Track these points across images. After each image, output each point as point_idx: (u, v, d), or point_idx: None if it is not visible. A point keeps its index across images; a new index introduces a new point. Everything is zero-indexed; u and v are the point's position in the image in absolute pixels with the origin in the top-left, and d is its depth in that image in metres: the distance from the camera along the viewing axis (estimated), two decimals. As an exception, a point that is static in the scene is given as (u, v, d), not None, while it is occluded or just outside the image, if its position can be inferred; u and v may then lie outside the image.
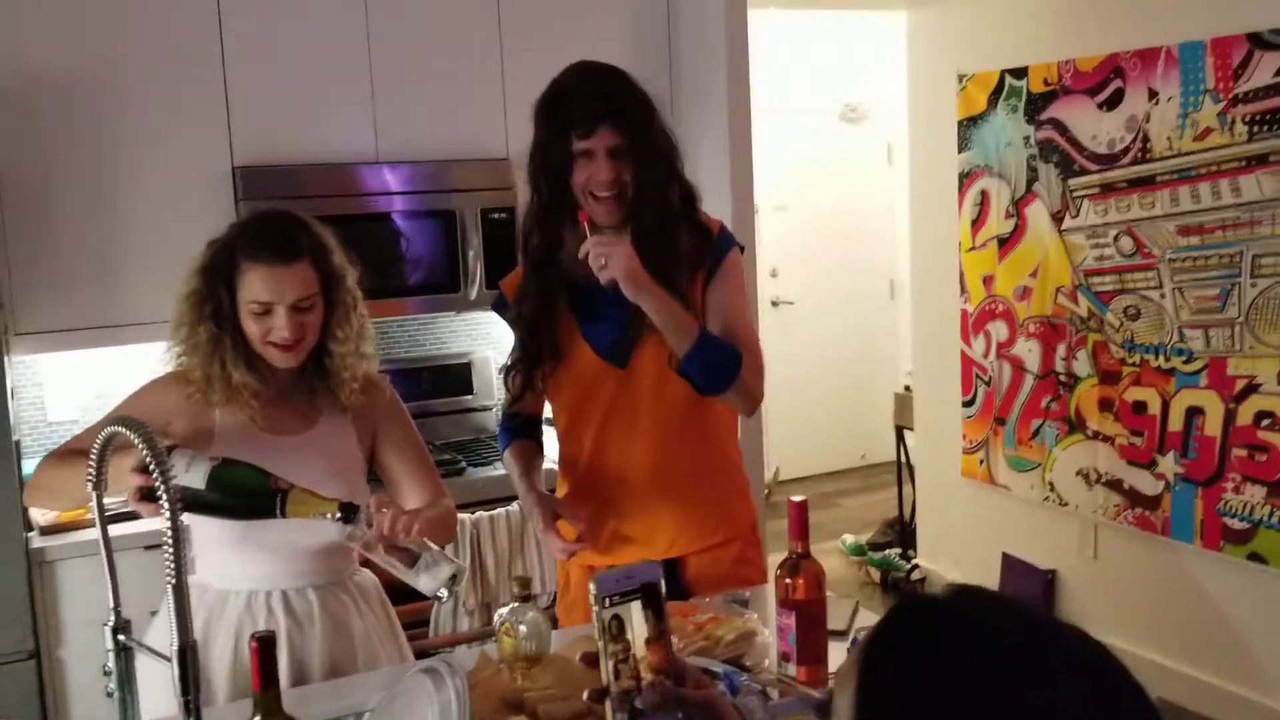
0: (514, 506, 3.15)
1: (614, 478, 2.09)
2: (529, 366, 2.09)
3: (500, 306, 2.22)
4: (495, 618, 1.80)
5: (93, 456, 1.37)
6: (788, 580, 1.63)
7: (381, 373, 2.13)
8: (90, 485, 1.39)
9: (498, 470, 3.27)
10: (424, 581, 1.77)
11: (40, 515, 2.83)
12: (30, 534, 2.76)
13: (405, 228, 3.28)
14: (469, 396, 3.70)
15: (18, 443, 2.79)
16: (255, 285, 1.85)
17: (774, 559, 1.84)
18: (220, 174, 3.05)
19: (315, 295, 1.90)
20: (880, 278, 6.51)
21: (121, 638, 1.36)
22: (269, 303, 1.85)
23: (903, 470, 5.09)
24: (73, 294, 2.93)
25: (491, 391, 3.73)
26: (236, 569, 1.92)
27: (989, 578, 4.37)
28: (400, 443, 2.06)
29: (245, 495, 1.70)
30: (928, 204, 4.54)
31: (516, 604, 1.77)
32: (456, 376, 3.68)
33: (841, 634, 1.83)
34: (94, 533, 2.76)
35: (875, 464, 6.31)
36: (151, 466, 1.25)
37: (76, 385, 3.18)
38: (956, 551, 4.60)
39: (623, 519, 2.09)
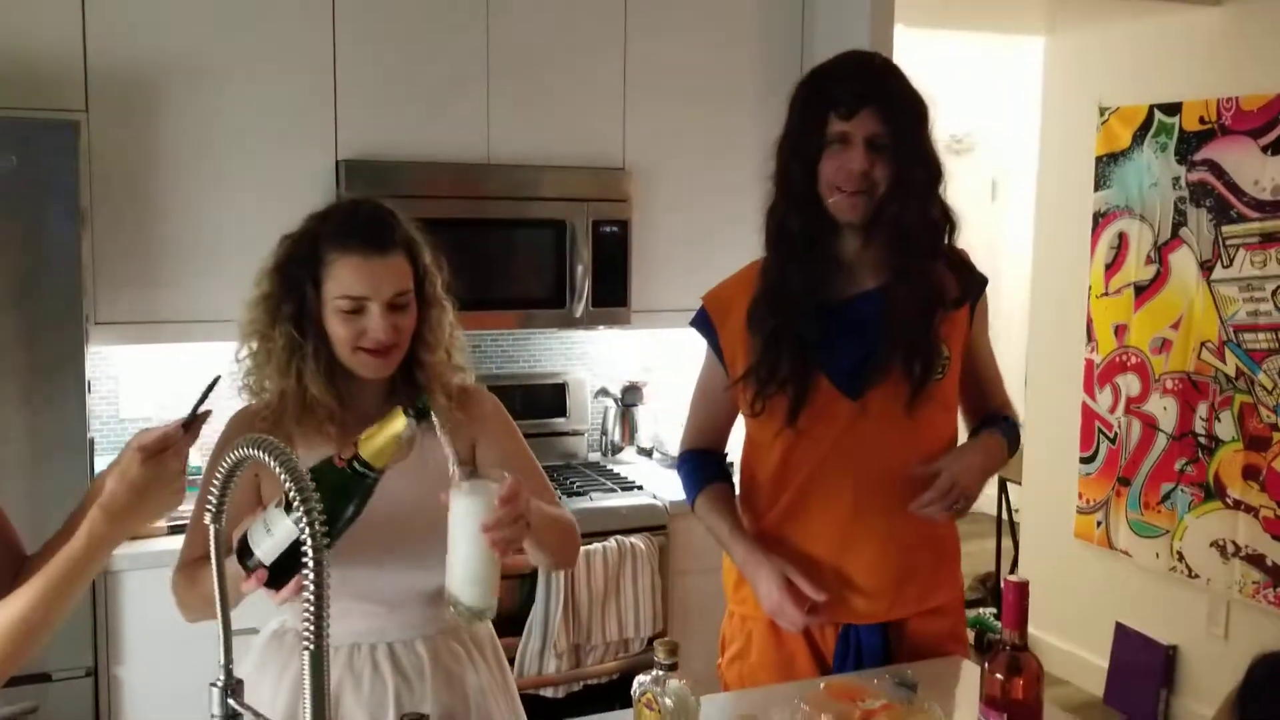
0: (611, 542, 2.91)
1: (827, 525, 1.84)
2: (764, 384, 1.82)
3: (703, 325, 1.94)
4: (635, 686, 1.54)
5: (216, 481, 1.13)
6: (1000, 676, 1.36)
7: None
8: (210, 517, 1.15)
9: (593, 502, 3.03)
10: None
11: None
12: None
13: (511, 236, 3.06)
14: (561, 419, 3.46)
15: (91, 440, 2.59)
16: (346, 278, 1.59)
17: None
18: (324, 168, 2.86)
19: (410, 293, 1.65)
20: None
21: (232, 703, 1.12)
22: (362, 298, 1.59)
23: (1002, 525, 4.77)
24: (159, 286, 2.75)
25: (585, 416, 3.50)
26: (336, 623, 1.62)
27: (1098, 647, 4.05)
28: (505, 456, 1.75)
29: (333, 495, 1.33)
30: (1054, 245, 4.24)
31: (660, 672, 1.51)
32: (550, 398, 3.45)
33: None
34: (162, 543, 2.60)
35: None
36: (291, 492, 1.01)
37: (152, 382, 3.00)
38: (1061, 616, 4.27)
39: (831, 574, 1.83)
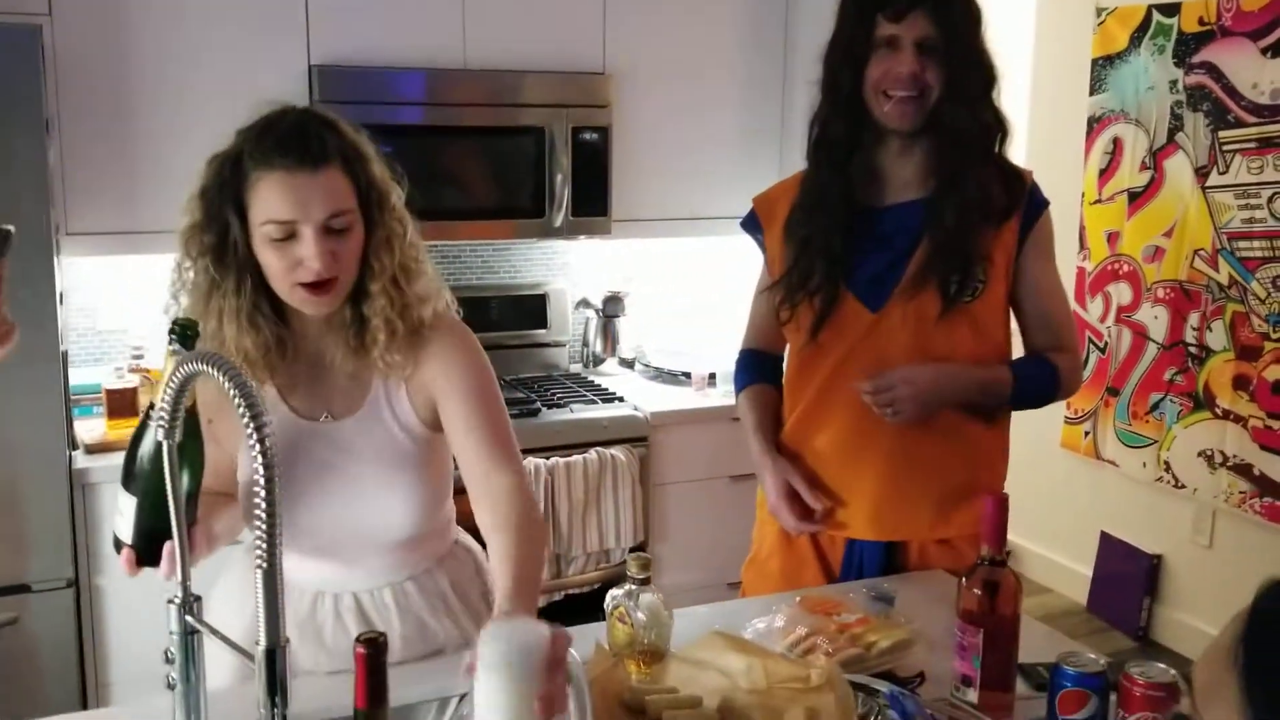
0: (591, 454, 2.90)
1: (835, 435, 1.81)
2: (792, 292, 1.79)
3: (751, 225, 1.93)
4: (608, 599, 1.52)
5: (165, 397, 1.09)
6: (977, 591, 1.34)
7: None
8: (163, 432, 1.11)
9: (574, 414, 3.00)
10: None
11: (86, 432, 2.61)
12: (75, 452, 2.53)
13: (488, 143, 2.98)
14: (542, 331, 3.42)
15: (65, 353, 2.55)
16: (271, 199, 1.38)
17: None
18: (295, 73, 2.77)
19: (351, 213, 1.43)
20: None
21: (190, 619, 1.10)
22: (291, 222, 1.38)
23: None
24: (130, 196, 2.68)
25: (566, 327, 3.46)
26: (299, 570, 1.55)
27: (1083, 556, 4.08)
28: (465, 406, 1.51)
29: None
30: (1048, 150, 4.15)
31: (633, 586, 1.49)
32: (530, 308, 3.40)
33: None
34: (141, 454, 2.57)
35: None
36: (241, 406, 0.97)
37: (131, 292, 2.95)
38: (1048, 527, 4.29)
39: (845, 487, 1.81)
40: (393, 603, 1.59)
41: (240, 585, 1.58)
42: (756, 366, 1.97)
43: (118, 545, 1.34)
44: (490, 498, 1.48)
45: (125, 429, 2.59)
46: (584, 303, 3.47)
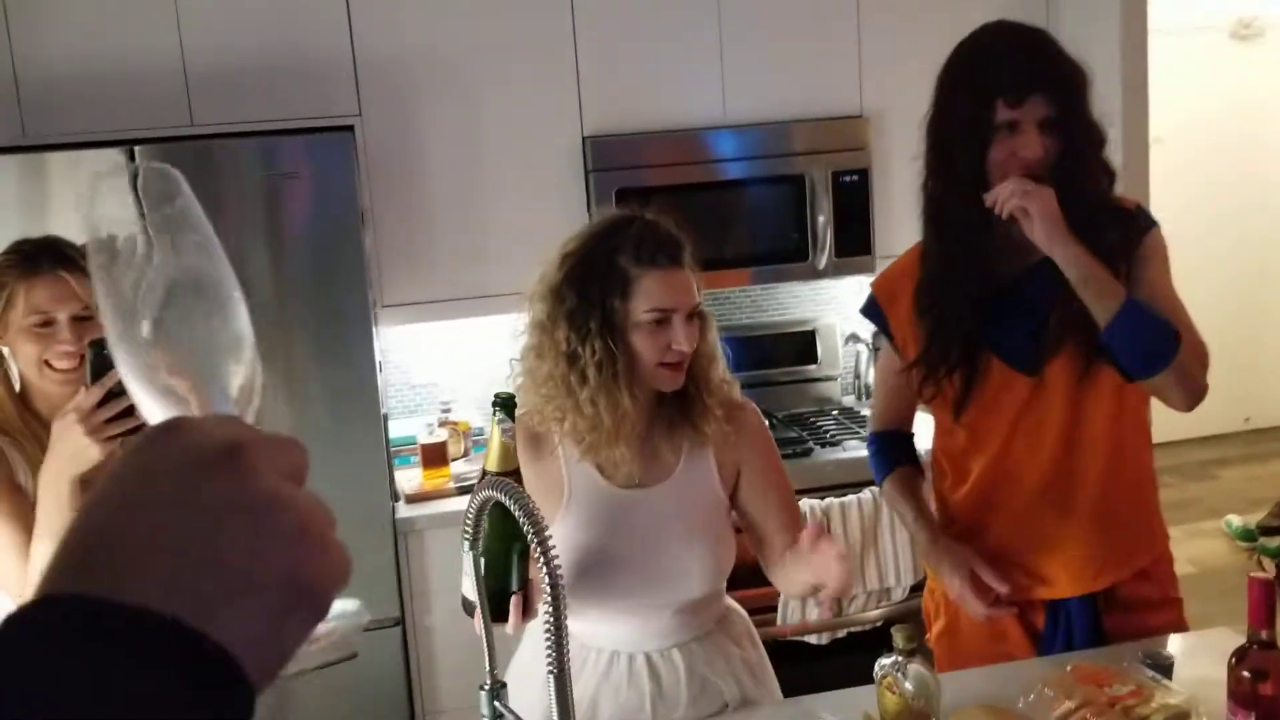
0: (865, 493, 2.96)
1: (1018, 503, 1.85)
2: (933, 369, 1.83)
3: (872, 311, 1.96)
4: (876, 668, 1.61)
5: (469, 518, 1.29)
6: (1246, 675, 1.34)
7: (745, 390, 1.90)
8: (467, 545, 1.31)
9: (848, 452, 3.07)
10: None
11: (405, 482, 2.94)
12: (397, 503, 2.87)
13: (752, 194, 3.11)
14: (812, 366, 3.51)
15: (385, 415, 2.89)
16: (653, 291, 1.63)
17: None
18: (572, 146, 3.01)
19: (701, 305, 1.71)
20: (1273, 224, 5.68)
21: (498, 704, 1.29)
22: (669, 310, 1.63)
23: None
24: (436, 267, 2.99)
25: (836, 361, 3.53)
26: (597, 630, 1.77)
27: None
28: (765, 477, 1.80)
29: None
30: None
31: (899, 657, 1.57)
32: (800, 344, 3.50)
33: None
34: (455, 502, 2.87)
35: (1261, 429, 5.58)
36: (531, 536, 1.15)
37: (440, 348, 3.28)
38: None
39: (1030, 551, 1.85)
40: (681, 661, 1.75)
41: (533, 658, 1.76)
42: (892, 449, 2.01)
43: (468, 606, 1.54)
44: (783, 544, 1.76)
45: (438, 478, 2.91)
46: (854, 337, 3.53)
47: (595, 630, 1.76)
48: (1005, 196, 1.65)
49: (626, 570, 1.71)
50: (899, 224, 3.15)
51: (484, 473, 1.55)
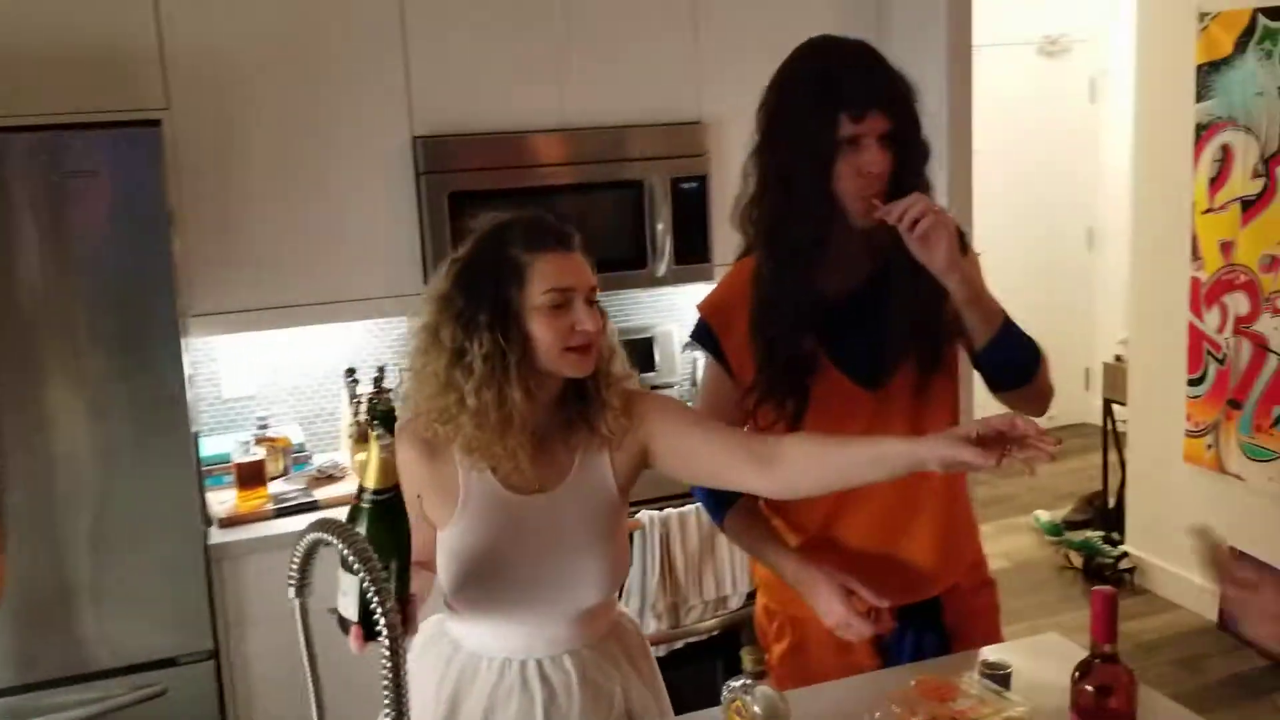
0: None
1: (865, 514, 1.83)
2: (769, 395, 1.77)
3: (705, 337, 1.86)
4: (724, 691, 1.56)
5: (294, 560, 1.17)
6: (1090, 689, 1.34)
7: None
8: (292, 592, 1.19)
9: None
10: None
11: (218, 504, 2.74)
12: (209, 528, 2.67)
13: (591, 200, 3.04)
14: (651, 374, 3.47)
15: (196, 433, 2.69)
16: (550, 272, 1.58)
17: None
18: (401, 146, 2.87)
19: (596, 290, 1.65)
20: (1077, 225, 5.99)
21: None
22: (568, 290, 1.58)
23: (1108, 443, 4.67)
24: (252, 274, 2.81)
25: (674, 368, 3.50)
26: (490, 638, 1.71)
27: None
28: (682, 414, 1.72)
29: (372, 531, 1.40)
30: (1155, 159, 4.05)
31: (748, 680, 1.53)
32: (639, 352, 3.45)
33: None
34: (276, 525, 2.70)
35: (1064, 426, 5.86)
36: (368, 589, 1.04)
37: (252, 360, 3.09)
38: (1173, 541, 4.18)
39: (878, 560, 1.83)
40: (573, 668, 1.70)
41: (415, 676, 1.67)
42: (724, 490, 1.89)
43: (344, 624, 1.44)
44: (760, 440, 1.66)
45: (255, 500, 2.72)
46: (692, 344, 3.50)
47: (486, 639, 1.71)
48: (915, 214, 1.61)
49: (520, 577, 1.65)
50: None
51: (360, 490, 1.45)
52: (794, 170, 1.69)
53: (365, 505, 1.42)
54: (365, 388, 2.98)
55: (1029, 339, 1.74)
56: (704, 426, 1.70)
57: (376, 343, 3.18)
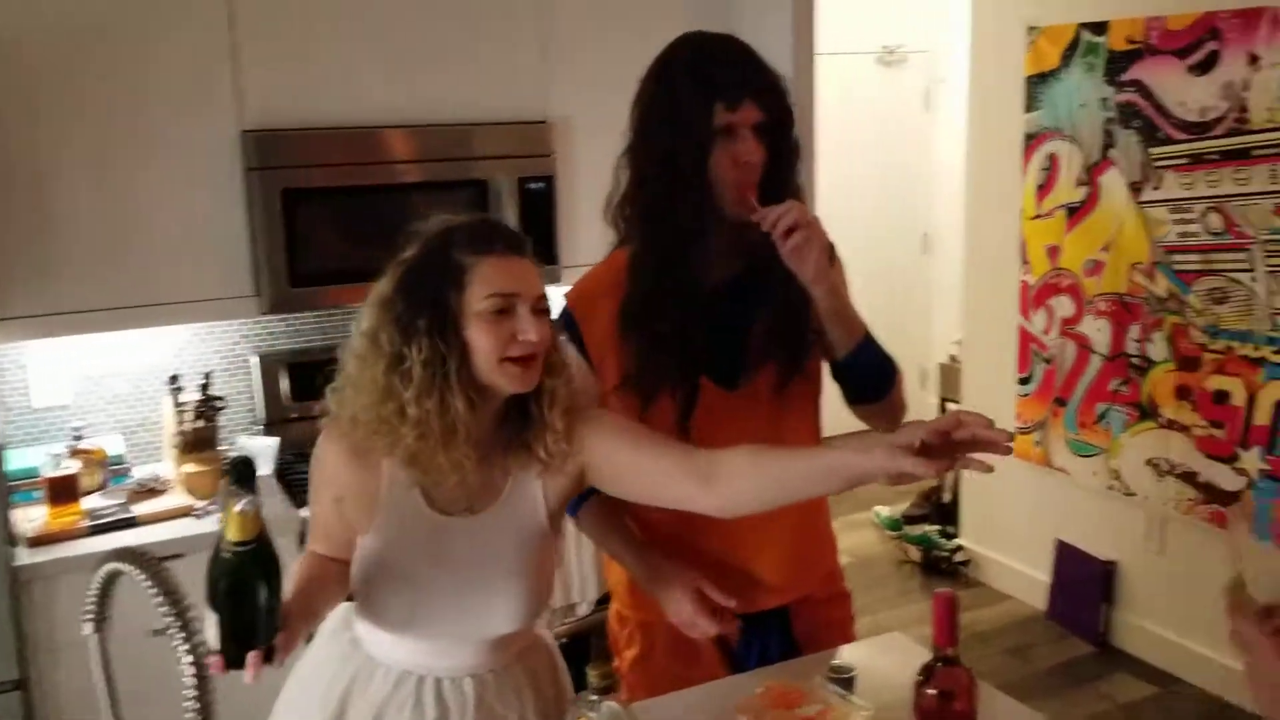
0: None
1: (718, 523, 1.74)
2: (649, 389, 1.74)
3: (567, 325, 1.81)
4: (569, 708, 1.52)
5: (92, 593, 1.07)
6: (931, 692, 1.36)
7: None
8: (91, 627, 1.09)
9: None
10: None
11: (26, 521, 2.55)
12: (15, 548, 2.47)
13: (435, 198, 2.94)
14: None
15: (1, 446, 2.49)
16: (492, 275, 1.48)
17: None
18: (228, 140, 2.72)
19: (548, 298, 1.55)
20: (913, 230, 6.18)
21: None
22: (511, 295, 1.48)
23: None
24: (63, 275, 2.61)
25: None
26: (390, 647, 1.63)
27: (1040, 563, 4.14)
28: (628, 437, 1.61)
29: (233, 582, 1.36)
30: (986, 166, 4.20)
31: (594, 696, 1.49)
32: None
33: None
34: (89, 543, 2.52)
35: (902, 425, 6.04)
36: (164, 609, 0.96)
37: (67, 367, 2.88)
38: (1004, 534, 4.36)
39: (734, 564, 1.82)
40: (471, 692, 1.63)
41: (314, 666, 1.66)
42: None
43: (209, 651, 1.40)
44: (702, 456, 1.55)
45: (68, 517, 2.53)
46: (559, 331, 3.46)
47: (386, 647, 1.63)
48: (789, 222, 1.60)
49: (431, 599, 1.57)
50: (585, 233, 3.10)
51: (221, 538, 1.38)
52: (672, 158, 1.68)
53: (226, 555, 1.36)
54: (191, 395, 2.82)
55: (887, 354, 1.77)
56: (642, 443, 1.61)
57: (204, 347, 3.01)
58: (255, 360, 3.03)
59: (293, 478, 2.78)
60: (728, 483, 1.53)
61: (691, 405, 1.75)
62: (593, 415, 1.64)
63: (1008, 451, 1.30)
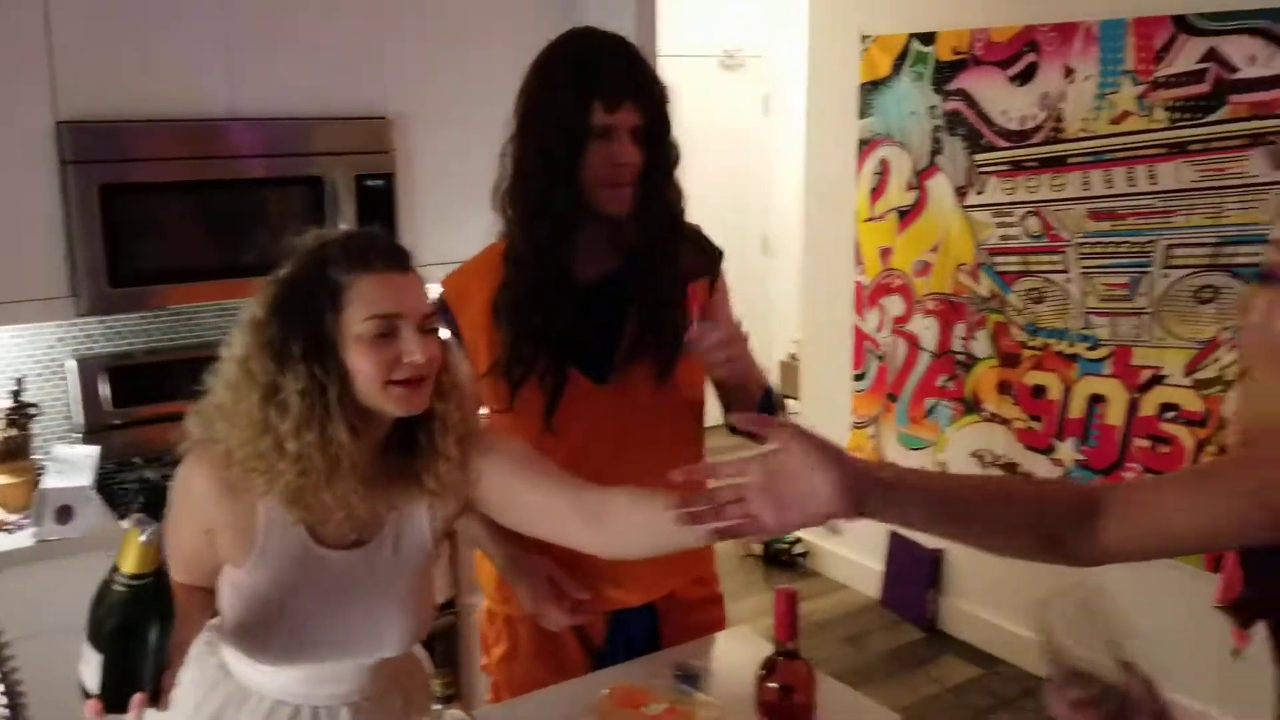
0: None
1: None
2: (513, 385, 1.76)
3: (442, 313, 1.79)
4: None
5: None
6: (773, 686, 1.39)
7: None
8: None
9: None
10: None
11: None
12: None
13: (268, 195, 2.85)
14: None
15: None
16: (371, 294, 1.39)
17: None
18: (41, 131, 2.56)
19: (436, 318, 1.49)
20: (753, 232, 6.32)
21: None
22: (394, 315, 1.39)
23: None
24: None
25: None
26: (263, 677, 1.57)
27: (874, 553, 4.29)
28: (521, 470, 1.56)
29: (124, 615, 1.28)
30: (824, 170, 4.33)
31: (437, 705, 1.47)
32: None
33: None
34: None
35: (745, 424, 6.17)
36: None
37: None
38: (840, 526, 4.49)
39: (591, 559, 1.77)
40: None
41: (179, 692, 1.54)
42: None
43: (85, 693, 1.31)
44: (591, 496, 1.52)
45: None
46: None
47: (259, 678, 1.56)
48: (727, 355, 1.68)
49: (310, 631, 1.50)
50: (428, 232, 3.06)
51: (114, 569, 1.28)
52: (549, 154, 1.70)
53: (119, 588, 1.27)
54: (1, 402, 2.65)
55: (779, 396, 1.85)
56: (537, 480, 1.56)
57: (16, 351, 2.83)
58: (72, 364, 2.86)
59: (115, 488, 2.64)
60: (613, 525, 1.50)
61: (558, 396, 1.76)
62: (490, 445, 1.58)
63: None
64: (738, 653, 1.83)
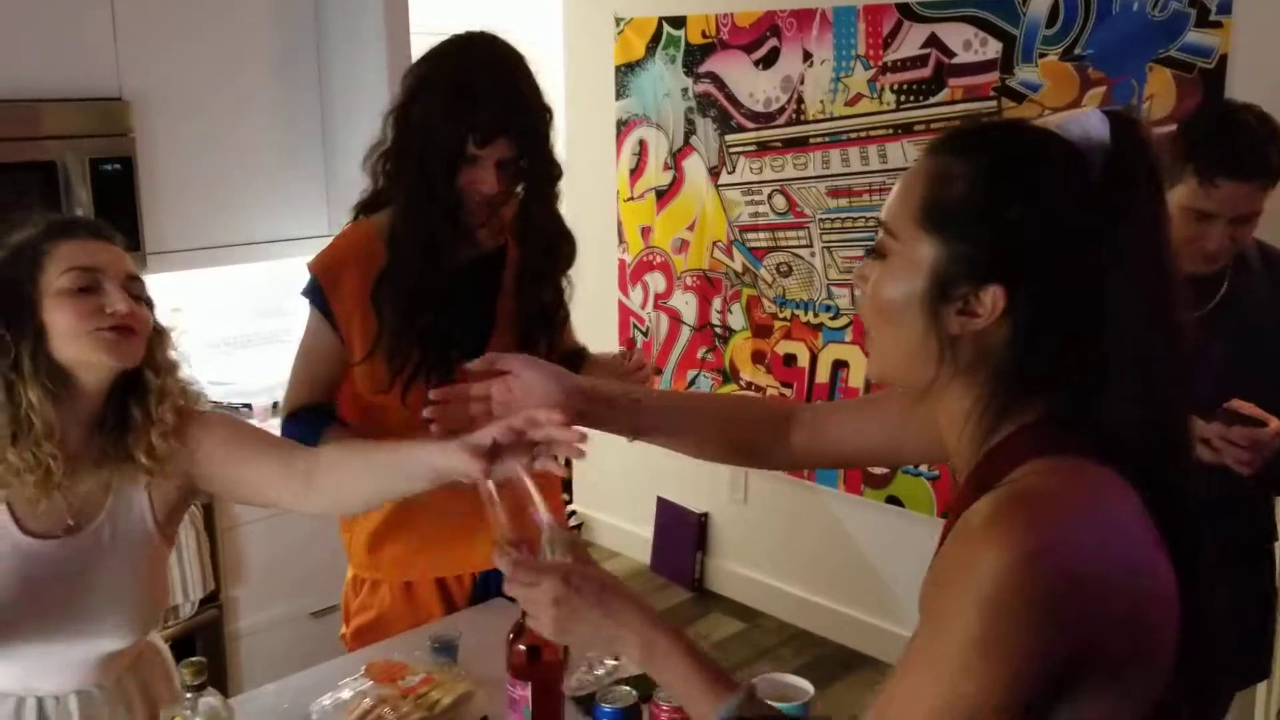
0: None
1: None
2: (399, 373, 1.83)
3: (314, 294, 1.87)
4: (162, 713, 1.50)
5: None
6: (522, 648, 1.46)
7: None
8: None
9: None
10: None
11: None
12: None
13: (-7, 181, 2.69)
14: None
15: None
16: (71, 252, 1.43)
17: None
18: None
19: (144, 286, 1.51)
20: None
21: None
22: (94, 269, 1.43)
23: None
24: None
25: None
26: None
27: (644, 521, 4.45)
28: (239, 440, 1.59)
29: None
30: (586, 151, 4.41)
31: (189, 694, 1.47)
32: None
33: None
34: None
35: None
36: None
37: None
38: (613, 497, 4.64)
39: (467, 524, 1.80)
40: (77, 709, 1.54)
41: None
42: (320, 415, 1.90)
43: None
44: (302, 456, 1.55)
45: None
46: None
47: None
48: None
49: (25, 626, 1.46)
50: (170, 215, 2.97)
51: None
52: (425, 163, 1.77)
53: None
54: None
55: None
56: (252, 446, 1.58)
57: None
58: None
59: None
60: (325, 481, 1.53)
61: (445, 383, 1.78)
62: (207, 417, 1.60)
63: (579, 454, 1.31)
64: (497, 621, 1.88)
